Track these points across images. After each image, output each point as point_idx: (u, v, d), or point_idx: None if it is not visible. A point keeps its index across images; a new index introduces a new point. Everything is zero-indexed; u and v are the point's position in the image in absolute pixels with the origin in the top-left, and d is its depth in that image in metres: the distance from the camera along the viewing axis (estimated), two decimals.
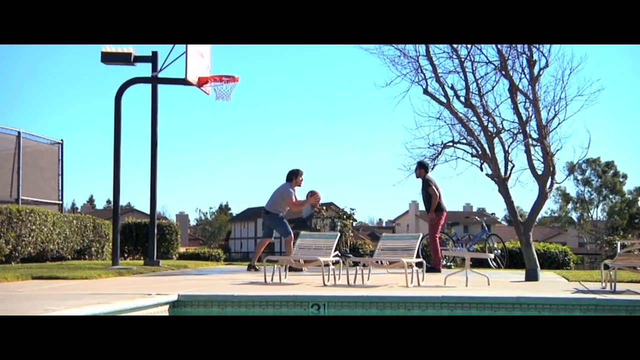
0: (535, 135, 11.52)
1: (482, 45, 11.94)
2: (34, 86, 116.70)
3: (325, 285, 9.56)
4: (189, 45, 13.61)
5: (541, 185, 11.43)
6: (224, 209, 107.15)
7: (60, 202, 18.97)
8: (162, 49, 14.35)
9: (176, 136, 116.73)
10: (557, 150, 11.46)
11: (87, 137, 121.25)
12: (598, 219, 76.50)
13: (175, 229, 21.76)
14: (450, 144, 13.05)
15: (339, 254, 11.32)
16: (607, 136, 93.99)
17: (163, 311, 7.48)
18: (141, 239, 20.38)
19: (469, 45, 11.99)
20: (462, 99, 12.18)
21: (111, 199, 16.18)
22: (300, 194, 13.16)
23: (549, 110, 11.54)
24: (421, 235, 11.50)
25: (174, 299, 7.71)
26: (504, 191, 11.76)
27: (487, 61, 12.11)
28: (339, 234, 11.38)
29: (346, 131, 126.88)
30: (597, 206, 76.36)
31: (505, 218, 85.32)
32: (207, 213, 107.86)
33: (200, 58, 14.35)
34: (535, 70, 11.45)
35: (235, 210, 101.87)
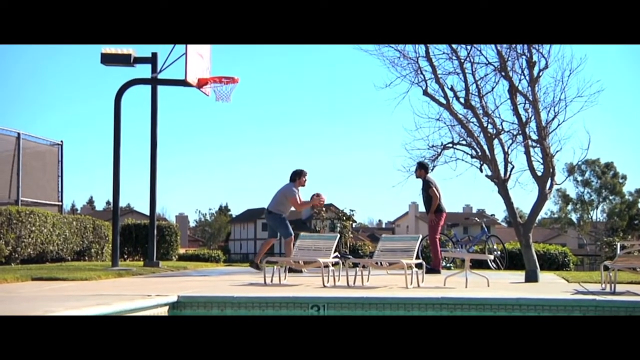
0: (534, 137, 11.52)
1: (482, 46, 11.95)
2: (34, 87, 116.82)
3: (324, 286, 9.56)
4: (188, 46, 13.61)
5: (541, 187, 11.43)
6: (223, 210, 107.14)
7: (60, 203, 18.97)
8: (162, 50, 14.37)
9: (176, 137, 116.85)
10: (557, 151, 11.47)
11: (87, 138, 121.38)
12: (598, 220, 76.52)
13: (175, 230, 21.76)
14: (450, 145, 13.05)
15: (339, 255, 11.32)
16: (606, 137, 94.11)
17: (163, 312, 7.47)
18: (141, 240, 20.39)
19: (468, 47, 12.00)
20: (462, 100, 12.19)
21: (111, 200, 16.19)
22: (304, 194, 13.16)
23: (549, 111, 11.55)
24: (421, 237, 11.50)
25: (174, 300, 7.71)
26: (504, 192, 11.76)
27: (487, 62, 12.11)
28: (338, 235, 11.38)
29: (346, 132, 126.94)
30: (597, 207, 76.40)
31: (505, 219, 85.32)
32: (206, 214, 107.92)
33: (199, 59, 14.35)
34: (535, 72, 11.45)
35: (235, 211, 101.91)
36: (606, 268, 9.28)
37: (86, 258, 17.91)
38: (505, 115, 12.25)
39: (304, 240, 11.16)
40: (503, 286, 9.95)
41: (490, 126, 12.09)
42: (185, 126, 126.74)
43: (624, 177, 75.80)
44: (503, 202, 12.01)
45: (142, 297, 7.61)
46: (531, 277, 10.90)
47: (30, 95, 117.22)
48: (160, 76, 14.36)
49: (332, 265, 10.25)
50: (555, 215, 78.12)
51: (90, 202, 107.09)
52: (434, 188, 13.30)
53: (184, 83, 14.05)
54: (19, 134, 17.16)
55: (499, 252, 15.77)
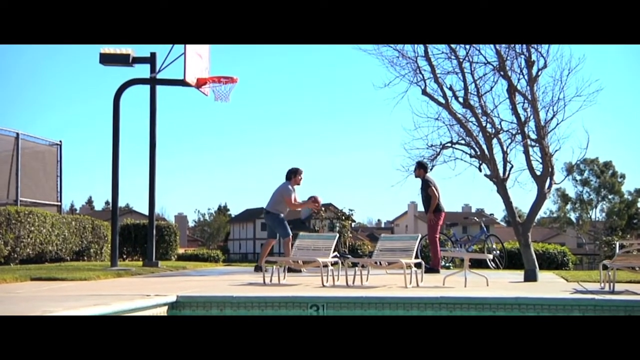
0: (533, 136, 11.52)
1: (481, 45, 11.95)
2: (33, 87, 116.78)
3: (324, 286, 9.56)
4: (187, 46, 13.61)
5: (540, 186, 11.43)
6: (222, 210, 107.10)
7: (59, 203, 18.96)
8: (161, 50, 14.37)
9: (175, 137, 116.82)
10: (556, 150, 11.47)
11: (86, 138, 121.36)
12: (597, 219, 76.56)
13: (174, 230, 21.76)
14: (449, 144, 13.04)
15: (338, 255, 11.32)
16: (605, 136, 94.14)
17: (162, 312, 7.47)
18: (140, 240, 20.38)
19: (467, 46, 12.00)
20: (461, 99, 12.18)
21: (110, 200, 16.20)
22: (300, 194, 13.16)
23: (548, 110, 11.54)
24: (420, 236, 11.51)
25: (173, 300, 7.71)
26: (503, 192, 11.76)
27: (486, 62, 12.11)
28: (337, 235, 11.38)
29: (345, 132, 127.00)
30: (596, 207, 76.45)
31: (504, 219, 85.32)
32: (205, 214, 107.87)
33: (198, 59, 14.34)
34: (534, 71, 11.45)
35: (234, 211, 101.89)
36: (605, 267, 9.28)
37: (85, 258, 17.91)
38: (504, 115, 12.26)
39: (303, 240, 11.16)
40: (502, 285, 9.95)
41: (489, 125, 12.09)
42: (184, 126, 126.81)
43: (623, 176, 75.87)
44: (502, 202, 12.00)
45: (141, 297, 7.60)
46: (530, 277, 10.91)
47: (29, 95, 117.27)
48: (159, 76, 14.36)
49: (331, 264, 10.25)
50: (554, 215, 78.16)
51: (89, 202, 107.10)
52: (432, 187, 13.31)
53: (182, 83, 14.04)
54: (17, 134, 17.15)
55: (498, 252, 15.78)
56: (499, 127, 12.10)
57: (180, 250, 25.36)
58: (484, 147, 12.01)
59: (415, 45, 12.34)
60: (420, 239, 12.14)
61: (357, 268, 10.28)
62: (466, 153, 12.72)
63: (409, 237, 10.99)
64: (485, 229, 16.54)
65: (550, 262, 17.27)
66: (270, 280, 10.17)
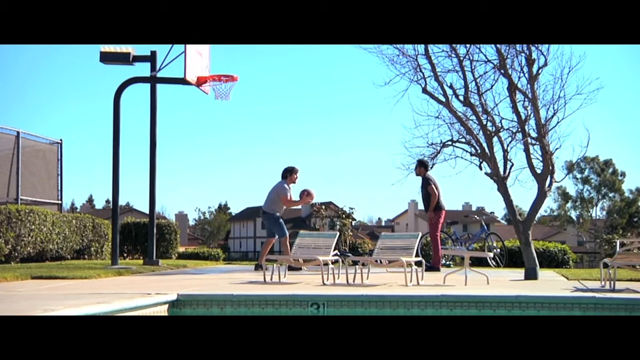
0: (534, 134, 11.52)
1: (481, 44, 11.95)
2: (33, 86, 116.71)
3: (324, 284, 9.57)
4: (187, 45, 13.61)
5: (540, 184, 11.44)
6: (223, 209, 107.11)
7: (60, 202, 18.96)
8: (161, 49, 14.36)
9: (175, 136, 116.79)
10: (556, 149, 11.48)
11: (86, 137, 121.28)
12: (597, 217, 76.55)
13: (175, 229, 21.75)
14: (449, 142, 13.05)
15: (338, 253, 11.33)
16: (605, 134, 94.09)
17: (162, 311, 7.48)
18: (140, 238, 20.38)
19: (467, 45, 12.00)
20: (461, 97, 12.19)
21: (110, 199, 16.22)
22: (296, 193, 13.15)
23: (548, 109, 11.55)
24: (420, 234, 11.52)
25: (174, 299, 7.71)
26: (503, 190, 11.76)
27: (486, 60, 12.11)
28: (338, 233, 11.39)
29: (345, 130, 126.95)
30: (597, 205, 76.44)
31: (505, 217, 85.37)
32: (206, 212, 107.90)
33: (199, 57, 14.34)
34: (534, 69, 11.45)
35: (235, 209, 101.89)
36: (606, 265, 9.28)
37: (86, 256, 17.91)
38: (505, 113, 12.28)
39: (303, 238, 11.16)
40: (502, 284, 9.96)
41: (489, 124, 12.09)
42: (185, 124, 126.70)
43: (623, 174, 75.86)
44: (502, 200, 12.01)
45: (142, 295, 7.61)
46: (531, 275, 10.91)
47: (29, 94, 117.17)
48: (159, 74, 14.36)
49: (332, 263, 10.26)
50: (555, 213, 78.14)
51: (90, 200, 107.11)
52: (433, 186, 13.30)
53: (183, 81, 14.04)
54: (18, 132, 17.14)
55: (498, 250, 15.78)
56: (500, 125, 12.11)
57: (181, 249, 25.36)
58: (485, 145, 12.02)
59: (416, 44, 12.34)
60: (421, 237, 12.15)
61: (357, 266, 10.28)
62: (466, 151, 12.73)
63: (410, 235, 10.99)
64: (485, 227, 16.54)
65: (551, 261, 17.27)
66: (271, 279, 10.18)
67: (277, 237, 13.08)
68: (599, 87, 11.51)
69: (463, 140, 12.80)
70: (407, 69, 12.62)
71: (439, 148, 13.25)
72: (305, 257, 10.65)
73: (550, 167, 11.39)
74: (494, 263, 15.49)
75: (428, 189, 13.32)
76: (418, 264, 10.07)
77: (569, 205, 77.10)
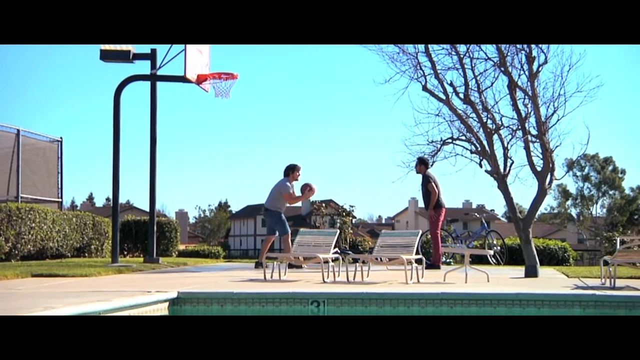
0: (534, 132, 11.52)
1: None
2: (33, 84, 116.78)
3: (324, 282, 9.57)
4: None
5: (540, 182, 11.44)
6: (223, 207, 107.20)
7: (60, 199, 18.97)
8: (161, 47, 14.36)
9: (175, 133, 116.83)
10: (557, 146, 11.48)
11: (87, 135, 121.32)
12: (597, 215, 76.58)
13: (175, 227, 21.76)
14: (450, 140, 13.03)
15: (339, 251, 11.33)
16: (605, 131, 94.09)
17: (163, 308, 7.48)
18: (141, 236, 20.39)
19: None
20: (461, 95, 12.18)
21: (110, 197, 16.21)
22: (296, 189, 13.15)
23: (548, 106, 11.56)
24: (420, 232, 11.51)
25: (174, 296, 7.71)
26: (504, 188, 11.76)
27: (486, 58, 12.11)
28: (338, 231, 11.39)
29: (345, 128, 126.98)
30: (597, 202, 76.47)
31: (505, 214, 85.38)
32: (206, 210, 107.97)
33: (199, 55, 14.34)
34: (534, 67, 11.45)
35: (235, 207, 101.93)
36: (606, 263, 9.29)
37: (86, 254, 17.92)
38: (505, 111, 12.26)
39: (303, 236, 11.15)
40: (503, 281, 9.96)
41: (489, 121, 12.09)
42: (185, 122, 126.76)
43: (623, 172, 75.88)
44: (503, 198, 12.01)
45: (142, 293, 7.61)
46: (531, 272, 10.91)
47: (30, 92, 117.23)
48: (159, 72, 14.36)
49: (332, 261, 10.26)
50: (555, 211, 78.18)
51: (90, 198, 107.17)
52: (433, 183, 13.29)
53: (183, 79, 14.04)
54: (18, 130, 17.15)
55: (498, 248, 15.79)
56: (500, 123, 12.11)
57: (181, 247, 25.38)
58: (485, 143, 12.02)
59: None
60: (421, 235, 12.14)
61: (357, 264, 10.28)
62: (467, 149, 12.73)
63: (410, 233, 10.99)
64: (485, 224, 16.56)
65: (551, 258, 17.28)
66: (271, 276, 10.18)
67: (277, 234, 13.08)
68: (599, 85, 11.53)
69: (463, 137, 12.79)
70: (408, 67, 12.63)
71: (439, 146, 13.24)
72: (305, 254, 10.65)
73: (551, 165, 11.39)
74: (494, 261, 15.50)
75: (428, 187, 13.31)
76: (418, 261, 10.07)
77: (569, 202, 77.15)
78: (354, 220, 21.62)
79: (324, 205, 20.73)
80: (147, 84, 14.75)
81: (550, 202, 76.36)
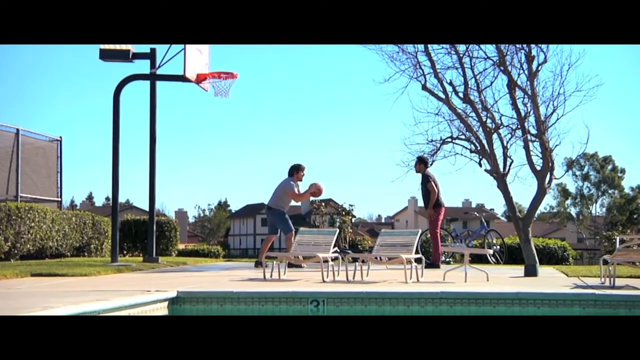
0: (533, 131, 11.52)
1: None
2: (33, 83, 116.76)
3: (324, 281, 9.56)
4: None
5: (540, 181, 11.44)
6: (222, 206, 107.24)
7: (59, 199, 18.96)
8: (161, 46, 14.36)
9: (175, 133, 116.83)
10: (556, 145, 11.48)
11: (86, 134, 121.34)
12: (597, 214, 76.59)
13: (174, 226, 21.77)
14: (449, 139, 13.03)
15: (338, 250, 11.33)
16: (604, 131, 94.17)
17: (162, 308, 7.48)
18: (140, 235, 20.40)
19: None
20: (461, 94, 12.18)
21: (110, 196, 16.21)
22: (301, 187, 13.14)
23: (548, 105, 11.56)
24: (420, 231, 11.51)
25: (173, 296, 7.71)
26: (503, 187, 11.76)
27: (486, 57, 12.10)
28: (337, 230, 11.38)
29: (345, 127, 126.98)
30: (596, 201, 76.50)
31: (504, 214, 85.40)
32: (206, 210, 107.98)
33: (198, 55, 14.34)
34: (534, 66, 11.45)
35: (234, 206, 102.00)
36: (605, 262, 9.28)
37: (85, 254, 17.92)
38: (504, 110, 12.26)
39: (303, 235, 11.15)
40: (502, 280, 9.96)
41: (489, 121, 12.09)
42: (185, 122, 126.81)
43: (623, 171, 75.90)
44: (502, 197, 12.01)
45: (142, 292, 7.61)
46: (530, 272, 10.91)
47: (29, 91, 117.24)
48: (159, 72, 14.35)
49: (332, 260, 10.25)
50: (555, 210, 78.21)
51: (90, 198, 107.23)
52: (432, 182, 13.28)
53: (182, 78, 14.04)
54: (18, 129, 17.14)
55: (498, 247, 15.79)
56: (499, 122, 12.11)
57: (181, 246, 25.39)
58: (484, 142, 12.01)
59: None
60: (421, 234, 12.14)
61: (357, 263, 10.27)
62: (466, 148, 12.72)
63: (409, 232, 10.99)
64: (485, 224, 16.55)
65: (551, 257, 17.28)
66: (271, 276, 10.17)
67: (279, 234, 13.07)
68: (599, 84, 11.52)
69: (463, 137, 12.79)
70: (407, 66, 12.62)
71: (438, 145, 13.23)
72: (305, 254, 10.65)
73: (550, 164, 11.39)
74: (494, 260, 15.50)
75: (428, 186, 13.30)
76: (418, 261, 10.06)
77: (568, 202, 77.16)
78: (353, 220, 21.63)
79: (323, 204, 20.75)
80: (147, 83, 14.75)
81: (549, 201, 76.51)
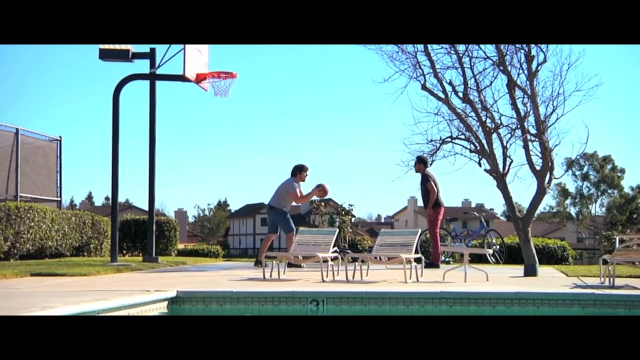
0: (533, 131, 11.52)
1: None
2: (33, 83, 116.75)
3: (324, 281, 9.56)
4: None
5: (539, 181, 11.44)
6: (222, 206, 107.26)
7: (59, 198, 18.96)
8: (160, 46, 14.36)
9: (175, 133, 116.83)
10: (556, 145, 11.47)
11: (86, 134, 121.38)
12: (596, 214, 76.61)
13: (174, 226, 21.77)
14: (449, 139, 13.02)
15: (338, 250, 11.33)
16: (603, 130, 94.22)
17: (162, 308, 7.48)
18: (140, 235, 20.40)
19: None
20: (461, 94, 12.17)
21: (110, 196, 16.21)
22: (304, 189, 13.13)
23: (547, 105, 11.55)
24: (420, 231, 11.51)
25: (173, 296, 7.71)
26: (503, 187, 11.76)
27: (485, 57, 12.10)
28: (337, 230, 11.37)
29: (344, 127, 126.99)
30: (596, 201, 76.51)
31: (504, 213, 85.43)
32: (205, 209, 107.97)
33: (198, 54, 14.34)
34: (534, 66, 11.45)
35: (234, 206, 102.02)
36: (605, 262, 9.29)
37: (85, 253, 17.91)
38: (504, 110, 12.26)
39: (303, 235, 11.15)
40: (502, 280, 9.96)
41: (488, 120, 12.08)
42: (184, 121, 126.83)
43: (623, 171, 75.90)
44: (502, 197, 12.01)
45: (141, 292, 7.60)
46: (530, 271, 10.91)
47: (29, 91, 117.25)
48: (158, 71, 14.35)
49: (331, 260, 10.25)
50: (554, 210, 78.22)
51: (89, 197, 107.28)
52: (431, 182, 13.28)
53: (182, 78, 14.04)
54: (17, 129, 17.14)
55: (497, 247, 15.79)
56: (499, 122, 12.10)
57: (180, 246, 25.40)
58: (484, 142, 12.01)
59: None
60: (420, 234, 12.15)
61: (357, 263, 10.27)
62: (466, 148, 12.72)
63: (409, 232, 10.98)
64: (485, 223, 16.55)
65: (550, 257, 17.28)
66: (270, 276, 10.17)
67: (278, 233, 13.06)
68: (598, 84, 11.52)
69: (462, 136, 12.78)
70: (407, 66, 12.62)
71: (438, 145, 13.23)
72: (304, 253, 10.64)
73: (550, 164, 11.39)
74: (494, 260, 15.50)
75: (427, 186, 13.30)
76: (417, 260, 10.06)
77: (568, 201, 77.18)
78: (353, 219, 21.64)
79: (323, 204, 20.75)
80: (146, 83, 14.74)
81: (549, 201, 76.53)
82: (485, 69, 12.19)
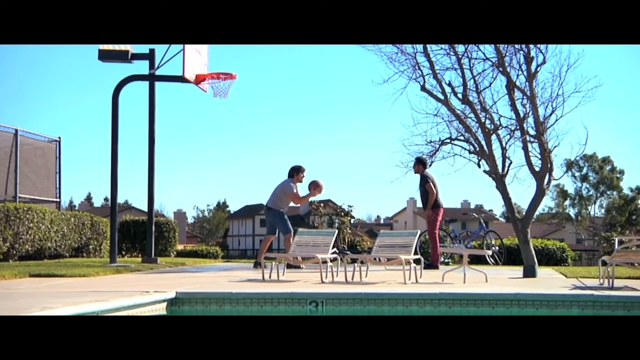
0: (532, 132, 11.52)
1: None
2: (32, 84, 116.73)
3: (323, 282, 9.56)
4: None
5: (539, 182, 11.43)
6: (221, 207, 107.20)
7: (58, 199, 18.96)
8: (160, 47, 14.36)
9: (174, 134, 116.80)
10: (555, 146, 11.47)
11: (85, 135, 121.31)
12: (596, 215, 76.61)
13: (173, 227, 21.75)
14: (448, 140, 13.01)
15: (337, 251, 11.32)
16: (603, 131, 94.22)
17: (161, 308, 7.47)
18: (139, 236, 20.39)
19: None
20: (460, 95, 12.17)
21: (109, 197, 16.19)
22: (301, 189, 13.13)
23: (547, 106, 11.55)
24: (419, 232, 11.51)
25: (172, 297, 7.70)
26: (502, 188, 11.76)
27: (485, 58, 12.09)
28: (336, 231, 11.37)
29: (344, 128, 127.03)
30: (595, 202, 76.51)
31: (503, 215, 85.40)
32: (204, 210, 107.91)
33: (197, 55, 14.33)
34: (533, 67, 11.45)
35: (233, 207, 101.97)
36: (604, 263, 9.28)
37: (84, 254, 17.90)
38: (503, 111, 12.26)
39: (302, 236, 11.14)
40: (501, 281, 9.96)
41: (488, 122, 12.08)
42: (183, 122, 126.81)
43: (622, 172, 75.90)
44: (501, 198, 12.01)
45: (141, 293, 7.60)
46: (529, 273, 10.91)
47: (28, 92, 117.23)
48: (158, 72, 14.35)
49: (331, 261, 10.25)
50: (554, 211, 78.21)
51: (88, 198, 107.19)
52: (430, 183, 13.28)
53: (181, 79, 14.04)
54: (16, 130, 17.13)
55: (497, 248, 15.79)
56: (498, 123, 12.10)
57: (179, 247, 25.38)
58: (483, 143, 12.01)
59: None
60: (419, 235, 12.15)
61: (356, 264, 10.27)
62: (465, 149, 12.70)
63: (408, 233, 10.98)
64: (484, 224, 16.55)
65: (549, 258, 17.28)
66: (270, 277, 10.17)
67: (277, 234, 13.05)
68: (598, 85, 11.51)
69: (462, 138, 12.77)
70: (406, 67, 12.60)
71: (437, 146, 13.22)
72: (303, 254, 10.64)
73: (549, 165, 11.39)
74: (493, 261, 15.50)
75: (426, 187, 13.30)
76: (417, 261, 10.06)
77: (567, 203, 77.17)
78: (352, 220, 21.63)
79: (322, 205, 20.74)
80: (146, 84, 14.74)
81: (548, 202, 76.49)
82: (485, 70, 12.19)
